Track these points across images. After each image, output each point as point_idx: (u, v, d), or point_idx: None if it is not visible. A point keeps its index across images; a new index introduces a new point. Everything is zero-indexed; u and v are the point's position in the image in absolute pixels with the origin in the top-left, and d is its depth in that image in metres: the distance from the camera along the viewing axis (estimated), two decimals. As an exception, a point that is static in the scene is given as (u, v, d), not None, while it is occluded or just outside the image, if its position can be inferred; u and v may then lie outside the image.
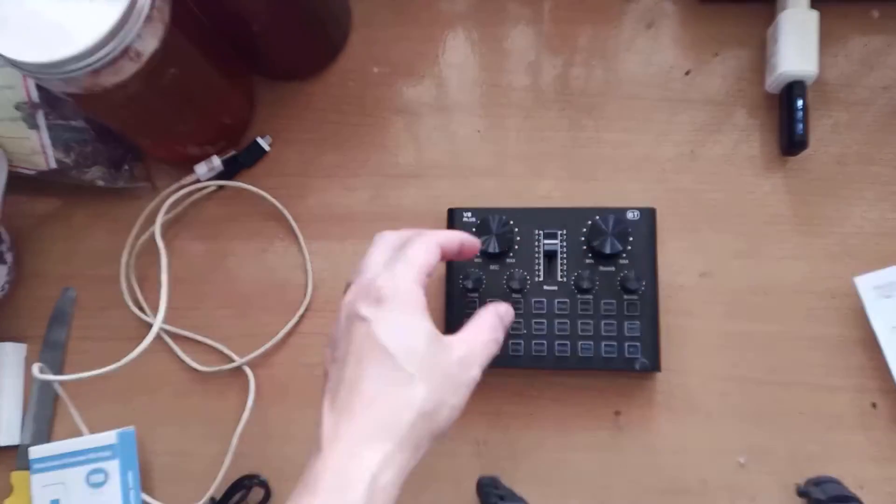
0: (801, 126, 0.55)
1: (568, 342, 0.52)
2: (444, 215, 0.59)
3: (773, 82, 0.57)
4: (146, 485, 0.58)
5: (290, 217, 0.60)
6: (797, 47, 0.55)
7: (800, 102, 0.55)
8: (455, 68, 0.62)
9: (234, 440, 0.56)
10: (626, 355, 0.52)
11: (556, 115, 0.60)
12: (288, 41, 0.59)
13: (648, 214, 0.53)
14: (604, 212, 0.53)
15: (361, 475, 0.34)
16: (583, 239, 0.53)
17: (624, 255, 0.52)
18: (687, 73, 0.60)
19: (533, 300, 0.53)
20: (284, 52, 0.61)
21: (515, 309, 0.51)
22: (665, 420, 0.55)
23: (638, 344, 0.52)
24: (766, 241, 0.56)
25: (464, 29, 0.63)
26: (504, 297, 0.53)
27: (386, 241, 0.42)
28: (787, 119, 0.56)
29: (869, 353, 0.54)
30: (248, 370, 0.58)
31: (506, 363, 0.52)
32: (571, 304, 0.53)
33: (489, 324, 0.42)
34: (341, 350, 0.38)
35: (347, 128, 0.62)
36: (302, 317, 0.59)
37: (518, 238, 0.54)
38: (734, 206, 0.57)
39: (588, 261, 0.53)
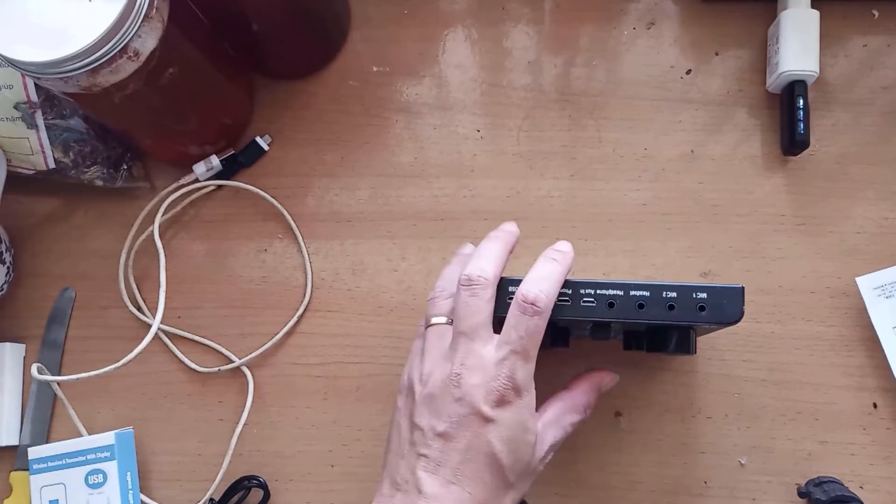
0: (802, 126, 0.55)
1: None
2: (445, 215, 0.59)
3: (773, 82, 0.57)
4: (145, 485, 0.57)
5: (289, 217, 0.60)
6: (798, 47, 0.55)
7: (801, 102, 0.55)
8: (455, 68, 0.62)
9: (233, 441, 0.56)
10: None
11: (556, 115, 0.60)
12: (287, 40, 0.59)
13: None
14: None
15: None
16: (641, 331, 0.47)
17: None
18: (688, 72, 0.60)
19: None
20: (284, 52, 0.61)
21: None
22: (666, 421, 0.54)
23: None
24: (767, 241, 0.56)
25: (464, 28, 0.63)
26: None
27: (476, 301, 0.41)
28: (787, 119, 0.56)
29: (870, 353, 0.54)
30: (246, 370, 0.58)
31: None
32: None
33: (583, 403, 0.45)
34: (445, 429, 0.39)
35: (347, 127, 0.62)
36: (301, 317, 0.59)
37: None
38: (735, 205, 0.57)
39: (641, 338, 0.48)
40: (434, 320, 0.43)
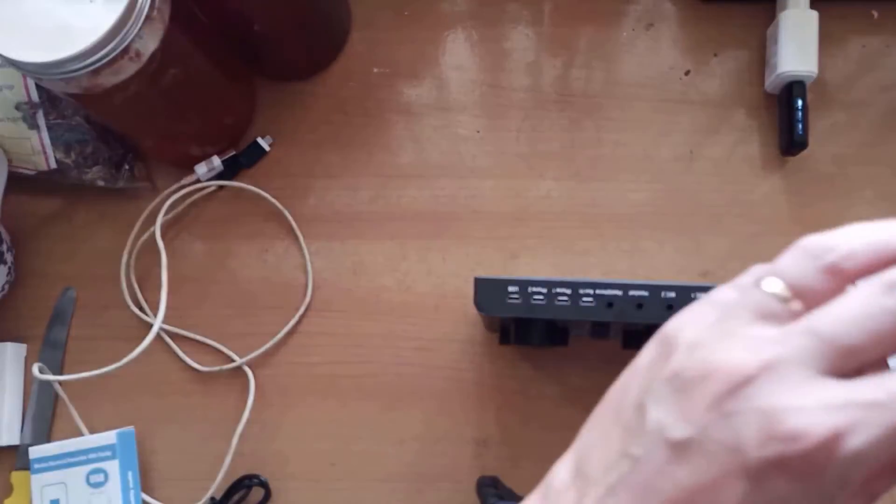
0: (800, 126, 0.55)
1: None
2: (445, 215, 0.59)
3: (772, 82, 0.57)
4: (146, 485, 0.58)
5: (290, 217, 0.61)
6: (797, 48, 0.55)
7: (799, 102, 0.55)
8: (455, 69, 0.62)
9: (235, 440, 0.56)
10: None
11: (555, 116, 0.60)
12: (288, 41, 0.59)
13: None
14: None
15: None
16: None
17: None
18: (686, 73, 0.60)
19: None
20: (285, 53, 0.61)
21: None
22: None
23: None
24: (766, 241, 0.56)
25: (464, 30, 0.63)
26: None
27: (853, 330, 0.22)
28: (786, 119, 0.56)
29: (868, 353, 0.54)
30: (248, 370, 0.58)
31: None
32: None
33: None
34: (680, 440, 0.23)
35: (348, 128, 0.62)
36: (302, 317, 0.59)
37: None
38: (734, 206, 0.57)
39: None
40: (766, 283, 0.25)
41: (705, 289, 0.41)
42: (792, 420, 0.21)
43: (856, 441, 0.21)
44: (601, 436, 0.27)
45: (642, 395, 0.25)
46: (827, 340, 0.22)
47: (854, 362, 0.22)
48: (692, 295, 0.41)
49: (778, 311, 0.24)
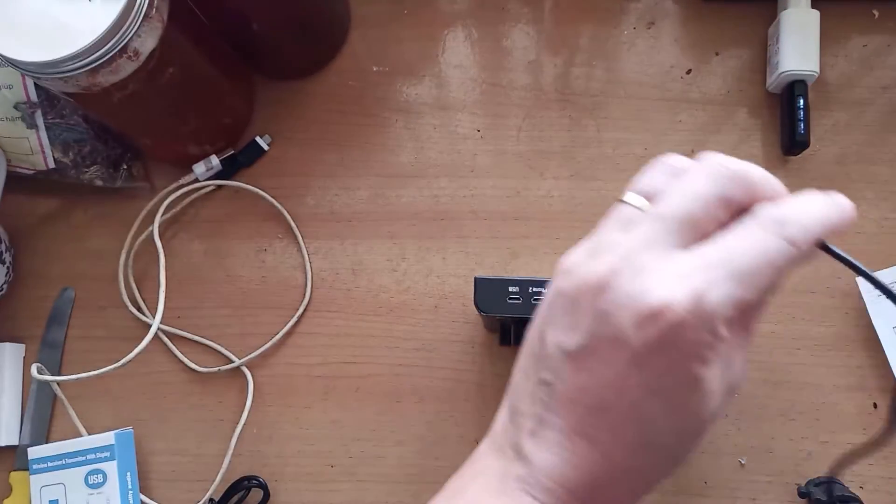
0: (802, 126, 0.55)
1: None
2: (445, 215, 0.59)
3: (774, 82, 0.57)
4: (145, 486, 0.57)
5: (289, 216, 0.60)
6: (798, 47, 0.55)
7: (801, 102, 0.55)
8: (455, 67, 0.62)
9: (233, 441, 0.56)
10: None
11: (556, 115, 0.60)
12: (287, 40, 0.59)
13: None
14: None
15: None
16: None
17: None
18: (688, 72, 0.60)
19: None
20: (283, 51, 0.61)
21: None
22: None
23: None
24: (767, 241, 0.56)
25: (464, 28, 0.63)
26: None
27: (711, 183, 0.27)
28: (788, 119, 0.56)
29: (870, 353, 0.54)
30: (246, 371, 0.58)
31: None
32: None
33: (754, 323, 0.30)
34: (575, 346, 0.27)
35: (347, 127, 0.62)
36: (301, 317, 0.59)
37: None
38: (735, 205, 0.57)
39: None
40: (627, 196, 0.29)
41: None
42: (655, 296, 0.24)
43: (713, 296, 0.24)
44: (523, 374, 0.29)
45: (542, 326, 0.28)
46: (668, 219, 0.26)
47: (697, 233, 0.26)
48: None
49: (636, 217, 0.28)
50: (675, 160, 0.30)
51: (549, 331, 0.28)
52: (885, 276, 0.53)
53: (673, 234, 0.26)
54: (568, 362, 0.27)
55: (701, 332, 0.24)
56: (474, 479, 0.29)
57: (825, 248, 0.28)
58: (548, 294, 0.29)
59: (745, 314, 0.27)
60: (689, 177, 0.28)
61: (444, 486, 0.30)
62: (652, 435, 0.27)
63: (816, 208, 0.28)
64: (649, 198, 0.29)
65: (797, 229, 0.26)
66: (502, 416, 0.30)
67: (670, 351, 0.25)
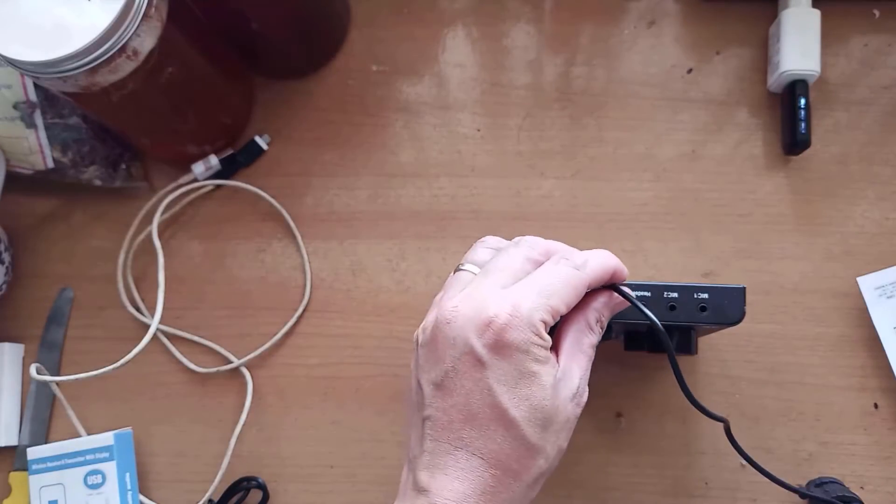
0: (803, 125, 0.55)
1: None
2: (445, 215, 0.59)
3: (775, 81, 0.56)
4: (144, 486, 0.57)
5: (288, 217, 0.60)
6: (799, 46, 0.55)
7: (802, 101, 0.55)
8: (455, 67, 0.62)
9: (232, 442, 0.56)
10: None
11: (556, 114, 0.60)
12: (286, 39, 0.59)
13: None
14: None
15: None
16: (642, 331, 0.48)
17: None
18: (689, 71, 0.59)
19: None
20: (283, 51, 0.61)
21: None
22: (666, 421, 0.54)
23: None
24: (768, 241, 0.56)
25: (464, 27, 0.62)
26: None
27: (528, 246, 0.37)
28: (789, 118, 0.56)
29: (871, 353, 0.53)
30: (245, 371, 0.58)
31: None
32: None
33: (594, 318, 0.37)
34: (440, 376, 0.33)
35: (346, 127, 0.62)
36: (300, 317, 0.59)
37: None
38: (736, 205, 0.57)
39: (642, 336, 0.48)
40: (464, 266, 0.38)
41: (707, 289, 0.41)
42: (487, 311, 0.32)
43: (526, 304, 0.33)
44: (411, 427, 0.36)
45: (416, 377, 0.35)
46: (493, 271, 0.35)
47: (514, 279, 0.35)
48: (695, 295, 0.41)
49: (470, 277, 0.37)
50: (494, 241, 0.40)
51: (421, 377, 0.35)
52: (885, 276, 0.53)
53: (498, 280, 0.35)
54: (438, 391, 0.33)
55: (524, 331, 0.32)
56: None
57: (615, 288, 0.37)
58: (414, 354, 0.36)
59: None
60: (506, 249, 0.37)
61: None
62: (514, 429, 0.32)
63: (593, 252, 0.37)
64: (479, 266, 0.37)
65: (580, 259, 0.35)
66: (404, 469, 0.36)
67: (507, 349, 0.32)
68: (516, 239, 0.38)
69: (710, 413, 0.41)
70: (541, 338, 0.33)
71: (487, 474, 0.32)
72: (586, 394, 0.35)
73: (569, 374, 0.34)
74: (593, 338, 0.37)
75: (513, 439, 0.32)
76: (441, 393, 0.33)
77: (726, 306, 0.41)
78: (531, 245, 0.37)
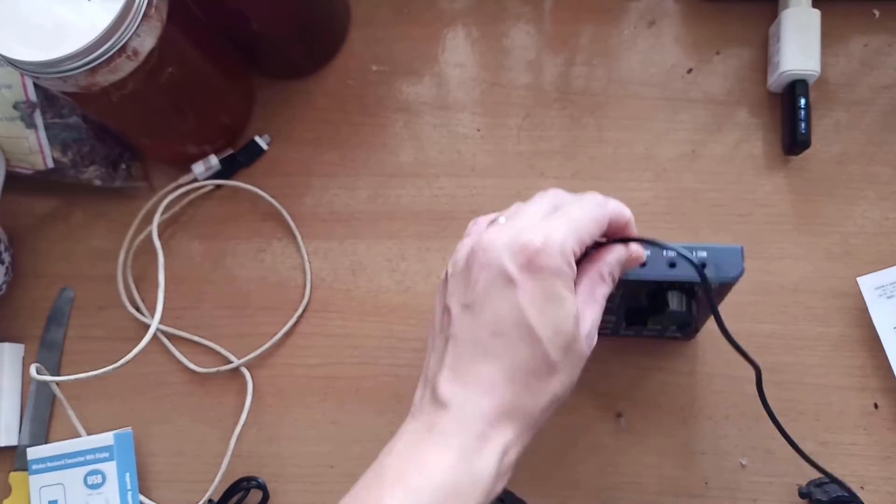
0: (803, 125, 0.55)
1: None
2: (445, 215, 0.59)
3: (775, 81, 0.57)
4: (144, 486, 0.57)
5: (288, 216, 0.60)
6: (799, 46, 0.55)
7: (802, 101, 0.55)
8: (455, 67, 0.62)
9: (232, 442, 0.56)
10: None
11: (556, 114, 0.60)
12: (286, 39, 0.59)
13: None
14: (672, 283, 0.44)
15: (494, 447, 0.33)
16: (643, 296, 0.47)
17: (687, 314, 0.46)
18: (688, 71, 0.59)
19: None
20: (283, 51, 0.61)
21: None
22: (666, 421, 0.54)
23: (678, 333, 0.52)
24: (768, 241, 0.56)
25: (464, 27, 0.62)
26: None
27: (553, 194, 0.39)
28: (789, 118, 0.56)
29: (871, 353, 0.53)
30: (245, 371, 0.58)
31: None
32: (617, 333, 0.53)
33: (606, 271, 0.38)
34: (472, 298, 0.35)
35: (346, 127, 0.62)
36: (300, 317, 0.59)
37: None
38: (735, 205, 0.57)
39: (644, 312, 0.47)
40: (492, 215, 0.39)
41: (706, 248, 0.42)
42: (522, 237, 0.34)
43: (558, 234, 0.34)
44: (431, 348, 0.37)
45: (445, 302, 0.37)
46: (523, 208, 0.38)
47: (542, 216, 0.36)
48: (694, 253, 0.41)
49: (498, 218, 0.38)
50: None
51: (450, 301, 0.36)
52: (885, 276, 0.53)
53: (530, 217, 0.36)
54: (467, 311, 0.35)
55: (556, 257, 0.34)
56: (396, 443, 0.35)
57: (630, 239, 0.39)
58: (442, 287, 0.38)
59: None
60: (534, 197, 0.40)
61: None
62: (538, 346, 0.34)
63: (611, 198, 0.39)
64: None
65: (601, 198, 0.38)
66: (417, 389, 0.37)
67: (539, 272, 0.34)
68: (541, 192, 0.40)
69: (746, 354, 0.41)
70: (570, 267, 0.34)
71: (507, 389, 0.34)
72: (595, 339, 0.37)
73: (583, 316, 0.36)
74: (605, 289, 0.37)
75: (535, 356, 0.34)
76: (470, 313, 0.35)
77: (725, 263, 0.42)
78: (556, 193, 0.39)
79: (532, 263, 0.34)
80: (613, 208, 0.38)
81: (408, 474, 0.32)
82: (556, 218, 0.36)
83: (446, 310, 0.36)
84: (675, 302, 0.44)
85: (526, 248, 0.34)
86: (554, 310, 0.34)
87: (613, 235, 0.39)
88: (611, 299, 0.44)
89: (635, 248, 0.39)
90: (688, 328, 0.46)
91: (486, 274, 0.34)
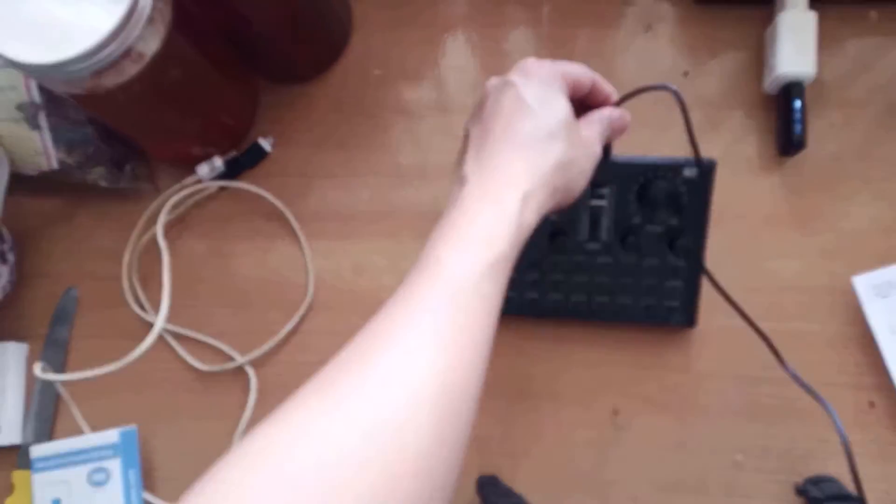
0: (799, 126, 0.55)
1: (608, 297, 0.54)
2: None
3: (770, 83, 0.57)
4: (148, 484, 0.58)
5: (291, 217, 0.61)
6: (795, 48, 0.56)
7: (797, 103, 0.55)
8: (455, 70, 0.62)
9: (236, 439, 0.56)
10: (664, 310, 0.54)
11: (555, 116, 0.60)
12: (289, 43, 0.60)
13: (707, 170, 0.53)
14: (657, 169, 0.53)
15: (514, 195, 0.37)
16: (632, 197, 0.53)
17: (676, 216, 0.53)
18: (685, 74, 0.60)
19: (574, 258, 0.54)
20: (286, 55, 0.61)
21: (556, 265, 0.54)
22: (663, 418, 0.55)
23: (676, 303, 0.54)
24: (764, 241, 0.56)
25: (464, 31, 0.63)
26: (545, 254, 0.54)
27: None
28: (784, 120, 0.56)
29: (866, 352, 0.54)
30: (249, 369, 0.59)
31: (545, 313, 0.55)
32: (614, 262, 0.54)
33: (596, 129, 0.44)
34: (487, 110, 0.40)
35: (348, 129, 0.62)
36: (303, 316, 0.59)
37: None
38: (732, 206, 0.57)
39: (635, 220, 0.53)
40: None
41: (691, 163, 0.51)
42: (518, 65, 0.41)
43: (549, 63, 0.41)
44: (456, 171, 0.40)
45: (465, 131, 0.41)
46: (518, 65, 0.41)
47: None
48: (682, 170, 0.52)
49: None
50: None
51: (468, 125, 0.41)
52: (880, 275, 0.53)
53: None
54: (477, 113, 0.41)
55: (549, 70, 0.40)
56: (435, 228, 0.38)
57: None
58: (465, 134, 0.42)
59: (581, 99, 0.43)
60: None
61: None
62: (536, 119, 0.39)
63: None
64: None
65: (595, 75, 0.44)
66: (450, 193, 0.40)
67: (534, 77, 0.40)
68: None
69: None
70: (561, 81, 0.41)
71: (515, 154, 0.38)
72: (598, 153, 0.43)
73: (582, 127, 0.42)
74: (599, 128, 0.44)
75: (535, 127, 0.38)
76: (479, 112, 0.40)
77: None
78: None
79: (528, 72, 0.40)
80: (602, 79, 0.44)
81: (447, 228, 0.37)
82: (549, 60, 0.42)
83: (466, 133, 0.41)
84: (660, 188, 0.51)
85: (524, 67, 0.40)
86: (548, 98, 0.40)
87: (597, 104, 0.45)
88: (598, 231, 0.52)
89: (622, 110, 0.45)
90: (682, 237, 0.52)
91: (492, 93, 0.40)
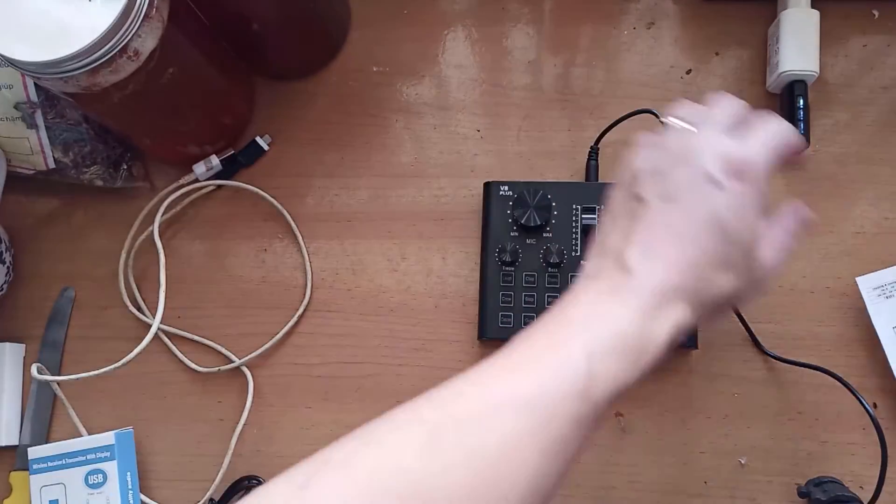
0: (802, 126, 0.55)
1: None
2: (445, 215, 0.59)
3: (774, 82, 0.57)
4: (145, 485, 0.57)
5: (289, 216, 0.60)
6: (798, 47, 0.55)
7: (801, 102, 0.55)
8: (455, 67, 0.62)
9: (233, 441, 0.56)
10: None
11: (556, 115, 0.60)
12: (287, 40, 0.59)
13: None
14: None
15: (668, 317, 0.34)
16: None
17: None
18: (688, 72, 0.60)
19: (570, 275, 0.54)
20: (284, 52, 0.61)
21: (550, 283, 0.54)
22: (666, 421, 0.54)
23: None
24: (767, 241, 0.56)
25: (464, 28, 0.63)
26: (540, 272, 0.54)
27: (732, 104, 0.39)
28: (787, 119, 0.55)
29: (870, 353, 0.54)
30: (246, 371, 0.58)
31: None
32: None
33: (788, 244, 0.39)
34: (672, 191, 0.36)
35: (347, 127, 0.62)
36: (301, 317, 0.59)
37: (556, 212, 0.55)
38: (735, 205, 0.57)
39: None
40: (672, 119, 0.39)
41: None
42: (729, 147, 0.36)
43: (763, 154, 0.36)
44: (611, 229, 0.37)
45: (629, 191, 0.37)
46: (712, 118, 0.38)
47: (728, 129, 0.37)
48: None
49: (685, 128, 0.38)
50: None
51: (644, 191, 0.36)
52: (884, 276, 0.53)
53: (720, 125, 0.37)
54: (665, 201, 0.36)
55: (760, 176, 0.35)
56: (578, 296, 0.35)
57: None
58: (628, 177, 0.38)
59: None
60: (713, 103, 0.39)
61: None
62: (723, 245, 0.35)
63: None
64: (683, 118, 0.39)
65: (786, 123, 0.38)
66: (589, 264, 0.37)
67: (744, 183, 0.35)
68: (715, 97, 0.40)
69: None
70: (766, 186, 0.36)
71: (688, 272, 0.35)
72: (768, 288, 0.38)
73: (764, 246, 0.37)
74: (785, 255, 0.39)
75: (718, 252, 0.35)
76: (668, 202, 0.36)
77: None
78: (735, 102, 0.39)
79: (742, 174, 0.35)
80: (798, 136, 0.39)
81: (591, 322, 0.34)
82: (753, 137, 0.37)
83: (637, 198, 0.37)
84: None
85: (732, 159, 0.35)
86: (746, 219, 0.35)
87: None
88: None
89: (805, 207, 0.40)
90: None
91: (690, 172, 0.36)
